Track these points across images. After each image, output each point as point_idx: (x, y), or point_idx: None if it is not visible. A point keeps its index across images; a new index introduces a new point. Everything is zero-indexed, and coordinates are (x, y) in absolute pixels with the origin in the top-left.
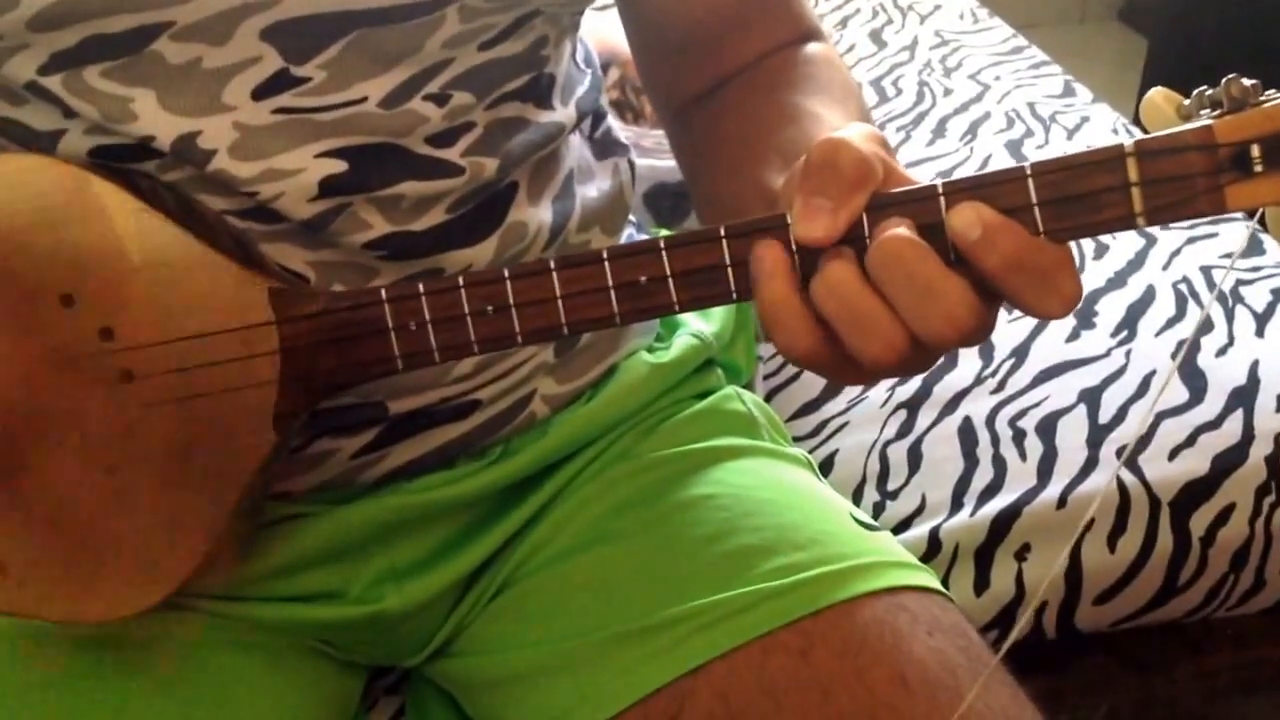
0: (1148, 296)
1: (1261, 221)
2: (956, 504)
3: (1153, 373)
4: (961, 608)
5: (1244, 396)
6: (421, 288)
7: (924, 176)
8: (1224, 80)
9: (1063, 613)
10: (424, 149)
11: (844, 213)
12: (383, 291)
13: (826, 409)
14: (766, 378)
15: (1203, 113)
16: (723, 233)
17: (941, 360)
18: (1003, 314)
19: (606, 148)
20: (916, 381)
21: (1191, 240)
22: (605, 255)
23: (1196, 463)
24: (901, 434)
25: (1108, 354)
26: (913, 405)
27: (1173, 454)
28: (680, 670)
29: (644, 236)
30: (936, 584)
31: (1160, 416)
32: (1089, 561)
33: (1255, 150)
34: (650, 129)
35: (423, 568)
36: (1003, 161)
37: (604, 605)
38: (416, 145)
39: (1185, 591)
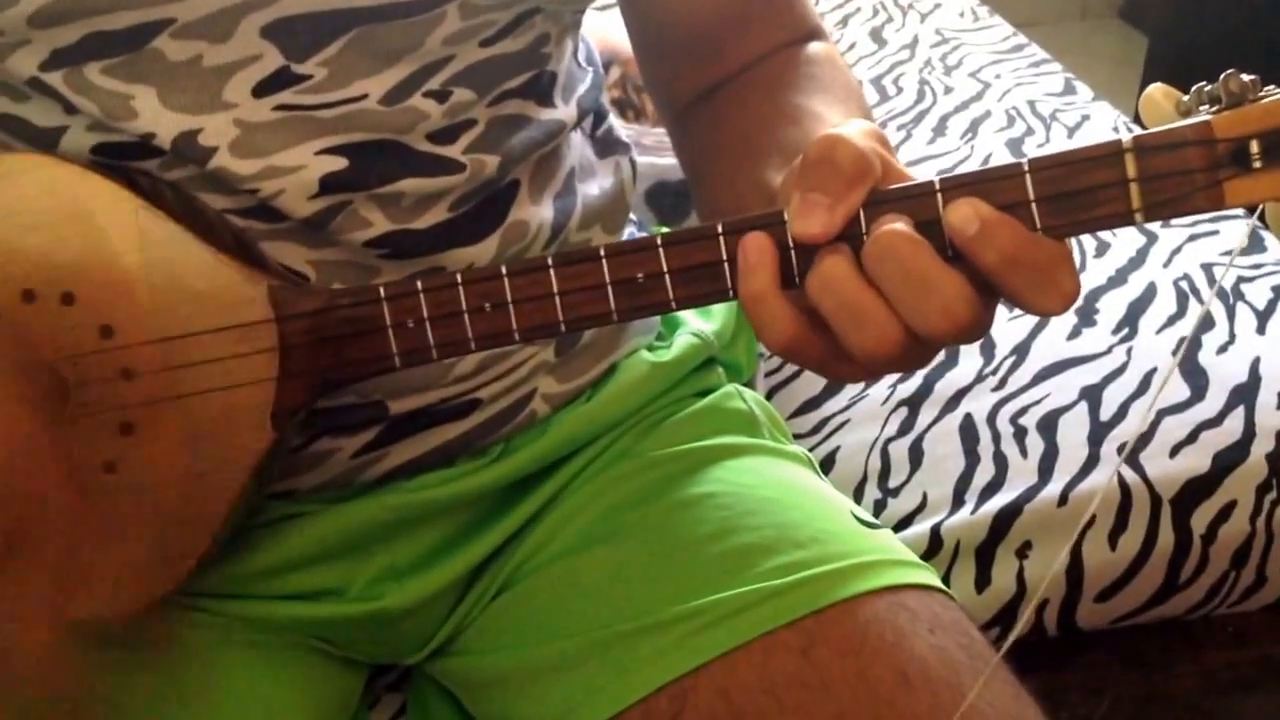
0: (1149, 294)
1: (1262, 218)
2: (958, 501)
3: (1154, 370)
4: (963, 605)
5: (1245, 394)
6: (419, 284)
7: (925, 175)
8: (1223, 76)
9: (1064, 610)
10: (425, 146)
11: (841, 208)
12: (381, 289)
13: (827, 407)
14: (767, 375)
15: (1201, 108)
16: (719, 229)
17: (942, 358)
18: (1003, 311)
19: (608, 146)
20: (918, 379)
21: (1192, 238)
22: (602, 252)
23: (1198, 460)
24: (903, 431)
25: (1109, 351)
26: (914, 403)
27: (1174, 451)
28: (682, 669)
29: (645, 234)
30: (937, 582)
31: (1161, 414)
32: (1090, 559)
33: (1254, 146)
34: (651, 127)
35: (423, 566)
36: (1003, 159)
37: (605, 604)
38: (417, 142)
39: (1186, 589)
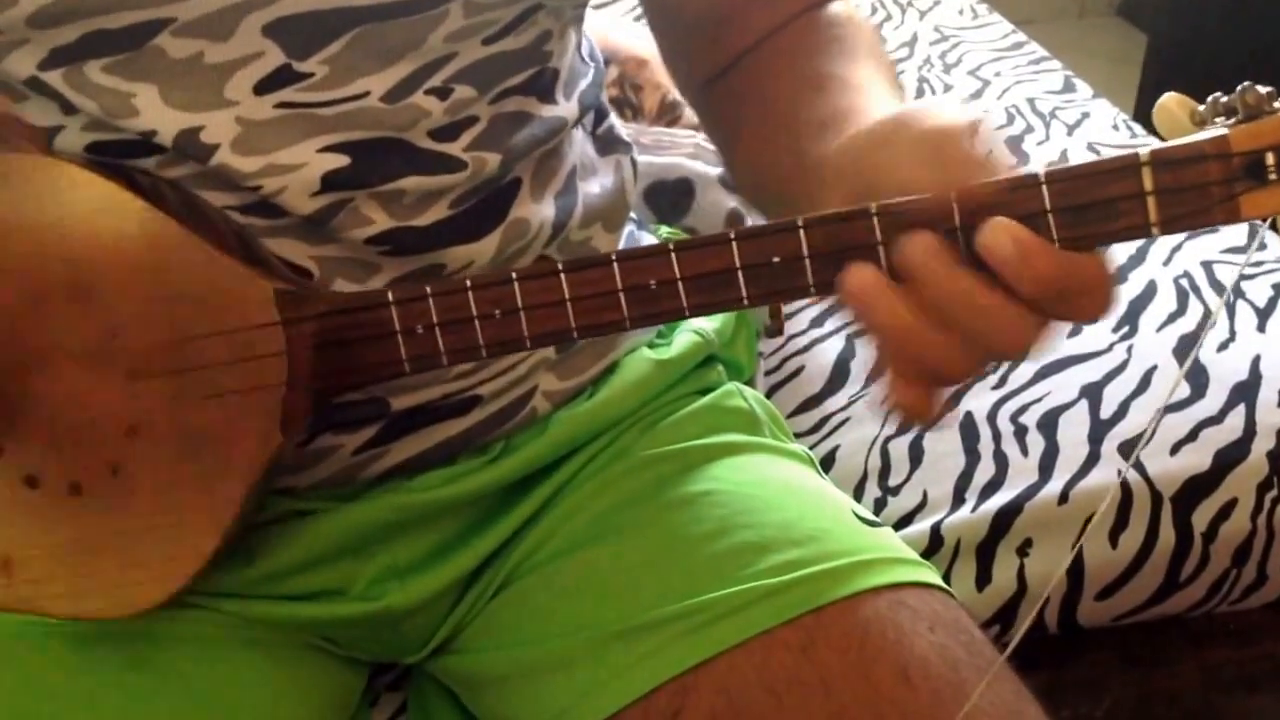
0: (1149, 292)
1: (1274, 227)
2: (958, 500)
3: (1154, 368)
4: (963, 603)
5: (1246, 391)
6: (429, 290)
7: None
8: (1239, 88)
9: (1065, 608)
10: (426, 143)
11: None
12: (389, 294)
13: (828, 404)
14: (768, 374)
15: (1217, 120)
16: (732, 236)
17: None
18: None
19: (609, 144)
20: None
21: (1193, 235)
22: (614, 258)
23: (1198, 458)
24: (903, 429)
25: (1109, 349)
26: None
27: (1175, 449)
28: (682, 667)
29: (645, 233)
30: (938, 580)
31: (1163, 412)
32: (1091, 557)
33: (1270, 159)
34: (649, 126)
35: (424, 565)
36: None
37: (605, 602)
38: (419, 139)
39: (1187, 587)
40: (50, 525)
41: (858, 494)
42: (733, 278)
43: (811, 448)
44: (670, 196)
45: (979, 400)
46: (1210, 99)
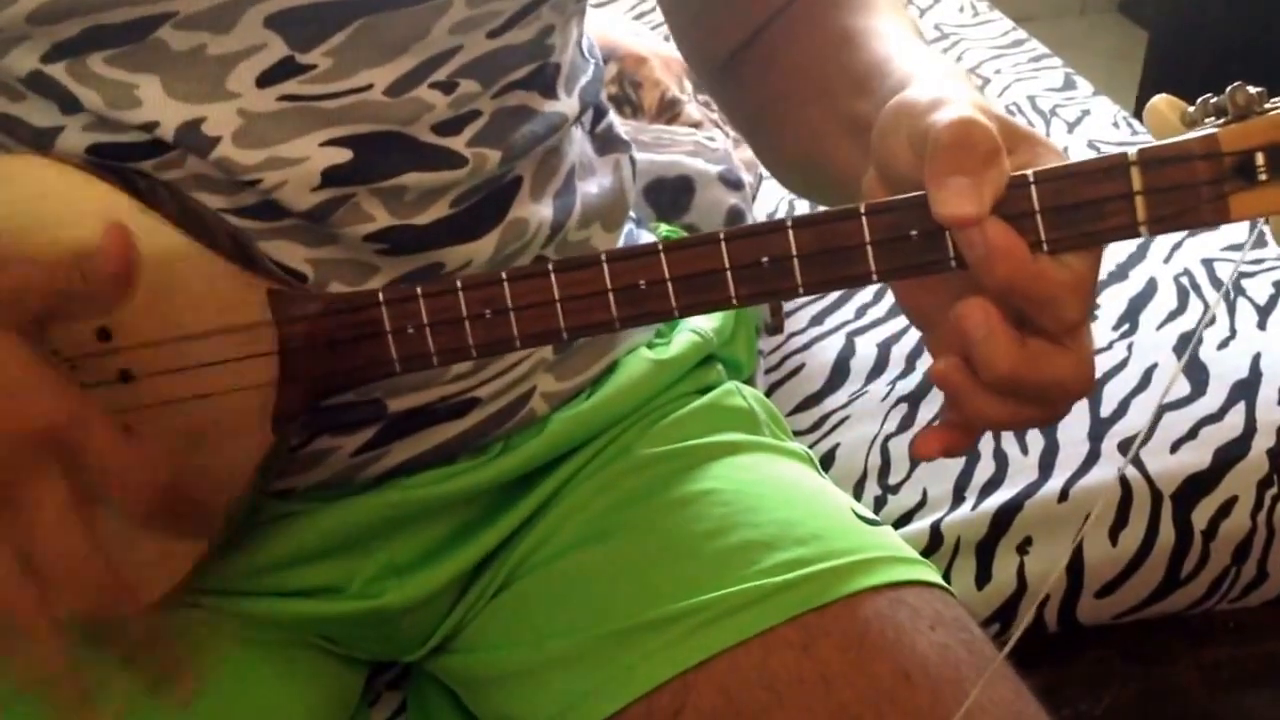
0: (1149, 289)
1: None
2: (958, 498)
3: (1154, 366)
4: (963, 601)
5: (1246, 389)
6: (419, 290)
7: None
8: (1229, 88)
9: (1064, 606)
10: (429, 138)
11: (988, 189)
12: (380, 294)
13: (827, 403)
14: (767, 372)
15: (1207, 120)
16: (722, 237)
17: None
18: None
19: (608, 143)
20: (917, 375)
21: (1193, 233)
22: (604, 258)
23: (1198, 455)
24: (903, 428)
25: (1109, 347)
26: (914, 399)
27: (1174, 447)
28: (682, 666)
29: (644, 232)
30: (938, 578)
31: (1162, 409)
32: (1091, 555)
33: (1260, 159)
34: (649, 123)
35: (424, 563)
36: None
37: (605, 601)
38: (422, 134)
39: (1187, 584)
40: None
41: (857, 492)
42: (722, 278)
43: (811, 446)
44: (670, 194)
45: None
46: (1200, 100)
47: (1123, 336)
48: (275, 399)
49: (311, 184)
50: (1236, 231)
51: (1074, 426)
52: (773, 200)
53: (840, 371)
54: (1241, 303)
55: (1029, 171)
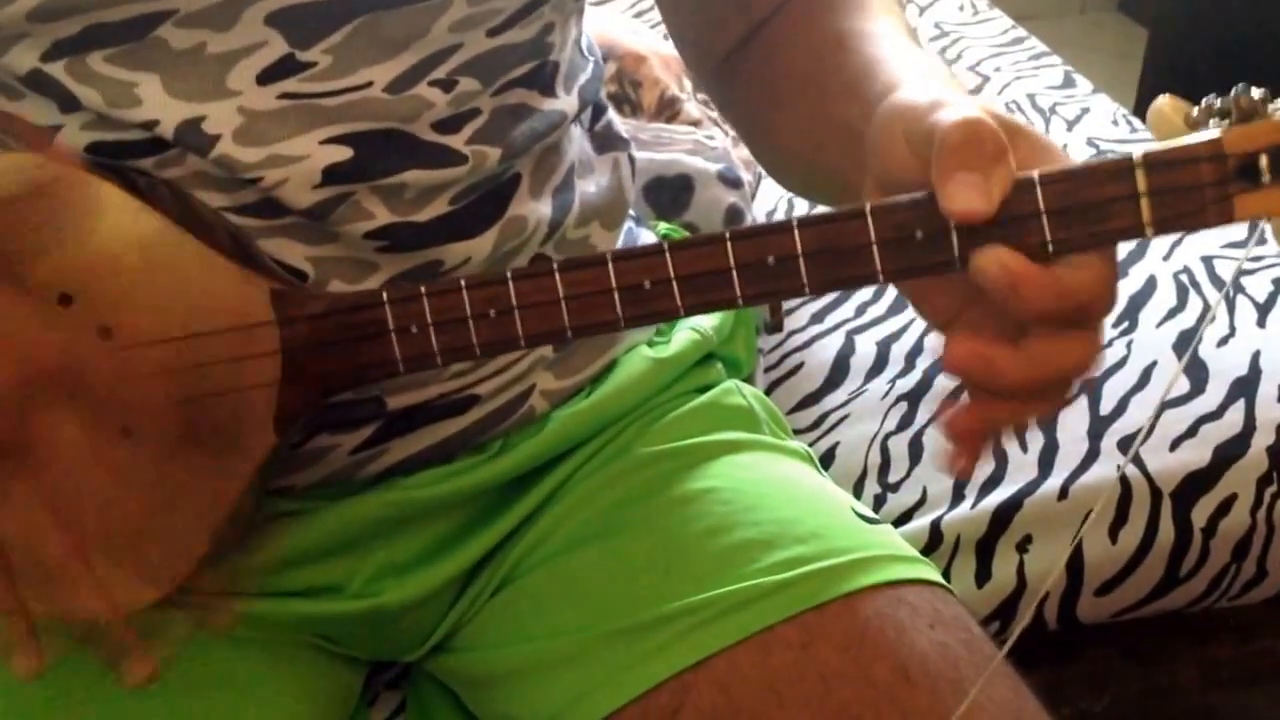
0: (1149, 287)
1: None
2: (957, 496)
3: (1154, 364)
4: (963, 600)
5: (1245, 387)
6: (423, 289)
7: None
8: (1233, 91)
9: (1064, 604)
10: (430, 135)
11: (997, 186)
12: (384, 293)
13: (827, 402)
14: (767, 370)
15: (1211, 122)
16: (727, 236)
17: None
18: None
19: (607, 142)
20: (917, 373)
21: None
22: (609, 258)
23: (1198, 453)
24: (902, 426)
25: (1109, 344)
26: (913, 397)
27: (1174, 445)
28: (681, 665)
29: (643, 230)
30: (938, 577)
31: (1162, 407)
32: (1090, 553)
33: (1263, 161)
34: (648, 122)
35: (422, 562)
36: None
37: (604, 600)
38: (422, 131)
39: (1187, 582)
40: (42, 527)
41: (857, 491)
42: (727, 278)
43: (811, 444)
44: (670, 192)
45: None
46: (1204, 101)
47: (1123, 334)
48: (277, 399)
49: (312, 182)
50: (1236, 229)
51: (1073, 424)
52: (772, 199)
53: (840, 370)
54: (1241, 300)
55: (1035, 173)
